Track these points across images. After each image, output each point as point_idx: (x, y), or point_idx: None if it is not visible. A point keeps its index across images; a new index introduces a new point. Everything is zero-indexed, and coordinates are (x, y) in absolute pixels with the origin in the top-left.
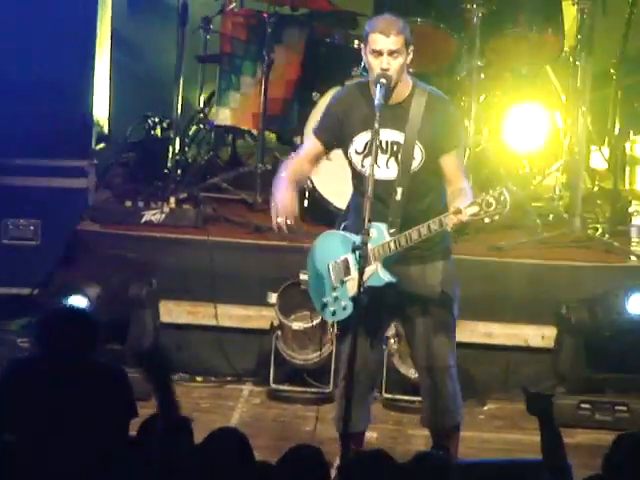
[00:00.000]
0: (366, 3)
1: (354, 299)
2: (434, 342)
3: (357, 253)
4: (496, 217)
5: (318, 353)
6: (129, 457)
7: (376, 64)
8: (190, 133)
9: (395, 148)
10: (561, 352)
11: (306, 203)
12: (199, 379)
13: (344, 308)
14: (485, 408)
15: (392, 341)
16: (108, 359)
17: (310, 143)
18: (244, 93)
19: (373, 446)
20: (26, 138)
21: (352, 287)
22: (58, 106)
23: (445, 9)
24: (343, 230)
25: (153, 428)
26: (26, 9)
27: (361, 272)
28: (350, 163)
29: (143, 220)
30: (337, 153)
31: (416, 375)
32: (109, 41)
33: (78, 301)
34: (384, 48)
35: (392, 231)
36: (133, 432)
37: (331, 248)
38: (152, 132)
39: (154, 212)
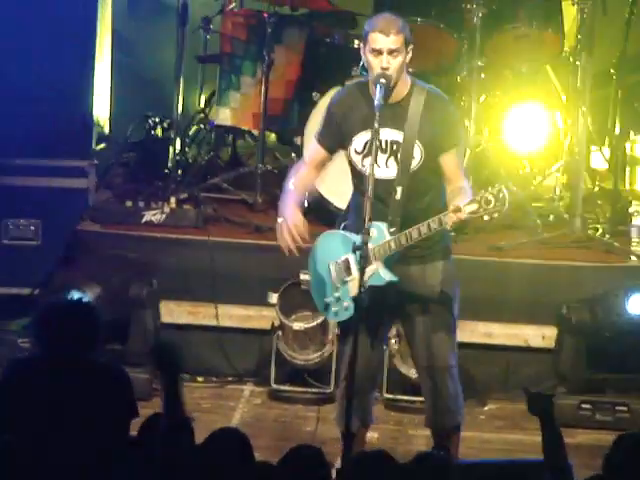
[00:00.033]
0: (366, 3)
1: (355, 299)
2: (434, 342)
3: (358, 253)
4: (495, 215)
5: (319, 353)
6: (129, 457)
7: (376, 63)
8: (190, 133)
9: (394, 147)
10: (562, 352)
11: (306, 203)
12: (200, 379)
13: (346, 308)
14: (485, 408)
15: (393, 341)
16: (108, 359)
17: (314, 150)
18: (244, 93)
19: (374, 446)
20: (26, 138)
21: (353, 287)
22: (58, 106)
23: (445, 9)
24: (343, 230)
25: (155, 427)
26: (26, 9)
27: (362, 272)
28: (350, 162)
29: (143, 220)
30: (337, 153)
31: (417, 375)
32: (109, 41)
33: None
34: (384, 47)
35: (392, 230)
36: (133, 432)
37: (332, 248)
38: (152, 132)
39: (154, 212)
